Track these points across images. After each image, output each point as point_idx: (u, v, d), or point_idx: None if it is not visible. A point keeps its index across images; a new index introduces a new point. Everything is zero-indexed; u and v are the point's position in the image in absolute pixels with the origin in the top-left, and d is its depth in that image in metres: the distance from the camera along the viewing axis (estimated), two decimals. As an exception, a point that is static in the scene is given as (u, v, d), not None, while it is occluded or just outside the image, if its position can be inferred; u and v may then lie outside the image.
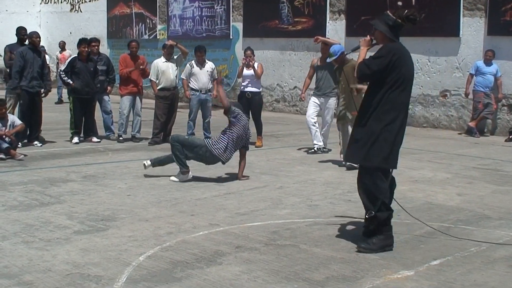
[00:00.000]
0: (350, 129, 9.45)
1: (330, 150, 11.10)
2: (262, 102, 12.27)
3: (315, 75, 11.14)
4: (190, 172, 8.58)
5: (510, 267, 5.28)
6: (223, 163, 8.60)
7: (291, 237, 6.01)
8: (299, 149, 11.46)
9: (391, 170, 5.72)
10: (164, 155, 9.07)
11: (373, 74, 5.66)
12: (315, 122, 10.92)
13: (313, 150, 11.02)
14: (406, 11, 5.73)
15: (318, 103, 10.98)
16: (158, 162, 8.85)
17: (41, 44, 12.90)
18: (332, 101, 11.01)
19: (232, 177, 8.78)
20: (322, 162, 10.12)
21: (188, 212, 6.89)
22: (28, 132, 11.40)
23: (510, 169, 9.79)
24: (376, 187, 5.61)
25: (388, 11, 5.78)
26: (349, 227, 6.37)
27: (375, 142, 5.58)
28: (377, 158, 5.58)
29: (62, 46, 21.52)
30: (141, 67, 11.91)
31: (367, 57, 5.71)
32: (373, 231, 5.69)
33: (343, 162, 9.69)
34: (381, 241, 5.62)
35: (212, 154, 8.42)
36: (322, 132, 11.08)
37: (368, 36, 5.89)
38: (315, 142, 11.00)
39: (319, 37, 11.03)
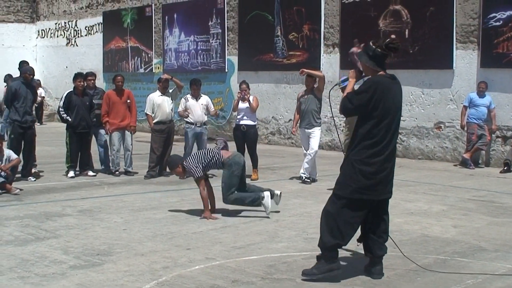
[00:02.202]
0: None
1: (315, 180, 11.22)
2: (257, 135, 12.32)
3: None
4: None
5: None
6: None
7: (288, 271, 6.00)
8: (291, 178, 11.49)
9: (371, 201, 5.66)
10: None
11: (355, 109, 5.68)
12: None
13: (308, 180, 11.28)
14: (387, 39, 5.69)
15: (305, 134, 11.27)
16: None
17: (37, 78, 12.97)
18: (317, 131, 11.27)
19: (227, 210, 8.76)
20: (318, 195, 10.12)
21: (184, 246, 6.88)
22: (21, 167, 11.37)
23: (505, 200, 9.81)
24: (338, 216, 5.62)
25: (371, 42, 5.72)
26: (346, 260, 6.36)
27: (353, 174, 5.59)
28: (349, 188, 5.60)
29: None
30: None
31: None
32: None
33: None
34: (323, 265, 5.66)
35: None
36: (306, 161, 11.26)
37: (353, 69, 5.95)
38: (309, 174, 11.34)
39: (304, 70, 11.49)
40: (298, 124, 11.56)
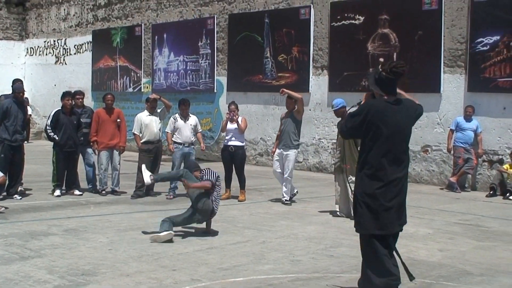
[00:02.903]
0: (347, 179, 9.84)
1: (295, 194, 11.39)
2: (245, 156, 12.34)
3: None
4: None
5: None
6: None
7: (273, 293, 6.00)
8: (278, 200, 11.53)
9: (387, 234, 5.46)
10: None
11: (348, 131, 5.63)
12: (280, 173, 11.44)
13: (288, 201, 11.38)
14: (393, 63, 5.53)
15: (278, 155, 11.41)
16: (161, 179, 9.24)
17: (25, 96, 12.94)
18: (292, 153, 11.35)
19: (214, 231, 8.75)
20: (304, 217, 10.14)
21: (169, 267, 6.86)
22: (6, 185, 11.28)
23: (491, 224, 9.86)
24: (364, 252, 5.53)
25: (379, 65, 5.56)
26: (331, 283, 6.37)
27: (358, 207, 5.51)
28: (357, 224, 5.53)
29: None
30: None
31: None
32: None
33: (338, 213, 10.01)
34: None
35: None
36: (284, 184, 11.37)
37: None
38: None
39: (284, 90, 11.65)
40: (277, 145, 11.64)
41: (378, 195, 5.39)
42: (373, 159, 5.41)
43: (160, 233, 8.12)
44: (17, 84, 11.91)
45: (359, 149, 5.82)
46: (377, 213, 5.39)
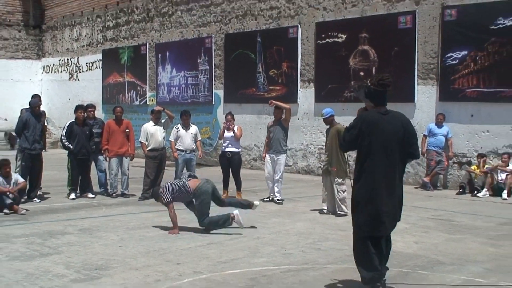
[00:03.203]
0: (333, 181, 9.95)
1: (281, 202, 11.32)
2: (241, 160, 12.37)
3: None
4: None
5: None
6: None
7: (268, 283, 6.02)
8: (271, 199, 11.54)
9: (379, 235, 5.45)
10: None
11: (346, 145, 5.56)
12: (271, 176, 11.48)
13: (267, 199, 11.49)
14: (379, 76, 5.53)
15: (269, 160, 11.42)
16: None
17: (42, 109, 12.94)
18: (282, 157, 11.41)
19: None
20: (294, 215, 10.17)
21: (174, 261, 6.88)
22: (26, 190, 11.28)
23: (460, 219, 9.89)
24: (356, 250, 5.56)
25: (369, 80, 5.55)
26: (319, 273, 6.40)
27: (356, 211, 5.52)
28: (355, 225, 5.53)
29: None
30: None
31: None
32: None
33: (324, 210, 10.05)
34: None
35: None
36: (276, 185, 11.39)
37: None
38: (270, 193, 11.54)
39: (273, 101, 11.69)
40: (267, 150, 11.63)
41: (375, 200, 5.34)
42: (370, 166, 5.34)
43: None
44: (33, 100, 11.93)
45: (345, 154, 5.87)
46: (374, 217, 5.35)
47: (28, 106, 11.97)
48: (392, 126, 5.40)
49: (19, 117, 11.73)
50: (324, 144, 10.47)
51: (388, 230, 5.50)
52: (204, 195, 8.53)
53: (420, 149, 13.81)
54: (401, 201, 5.58)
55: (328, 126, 10.34)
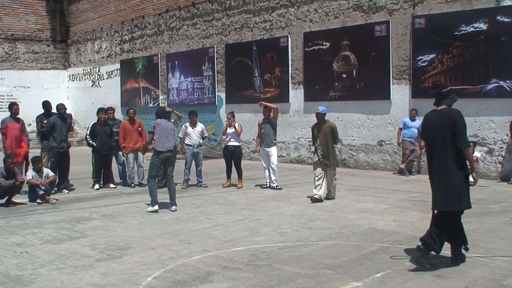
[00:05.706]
0: (330, 172, 9.80)
1: (281, 188, 11.23)
2: (241, 153, 12.30)
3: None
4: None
5: (436, 276, 5.31)
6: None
7: (266, 258, 5.98)
8: (256, 185, 11.47)
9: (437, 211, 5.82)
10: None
11: (422, 135, 6.12)
12: (266, 166, 11.47)
13: (265, 186, 11.49)
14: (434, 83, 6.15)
15: (265, 152, 11.39)
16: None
17: (69, 112, 12.87)
18: (274, 149, 11.39)
19: (219, 212, 8.74)
20: (289, 199, 10.13)
21: (185, 241, 6.85)
22: (56, 182, 11.22)
23: (433, 200, 9.84)
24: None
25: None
26: (311, 249, 6.36)
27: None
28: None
29: None
30: (149, 146, 11.88)
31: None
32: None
33: (316, 196, 9.64)
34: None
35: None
36: (273, 173, 11.36)
37: None
38: (267, 181, 11.49)
39: (263, 102, 11.75)
40: (260, 144, 11.59)
41: (432, 180, 5.79)
42: (428, 153, 5.80)
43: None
44: (59, 104, 11.90)
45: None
46: (433, 193, 5.78)
47: (40, 113, 12.08)
48: (436, 120, 5.78)
49: (47, 120, 11.58)
50: (318, 138, 10.14)
51: (444, 207, 5.81)
52: (158, 159, 9.13)
53: (396, 140, 13.95)
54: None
55: (317, 122, 10.14)
